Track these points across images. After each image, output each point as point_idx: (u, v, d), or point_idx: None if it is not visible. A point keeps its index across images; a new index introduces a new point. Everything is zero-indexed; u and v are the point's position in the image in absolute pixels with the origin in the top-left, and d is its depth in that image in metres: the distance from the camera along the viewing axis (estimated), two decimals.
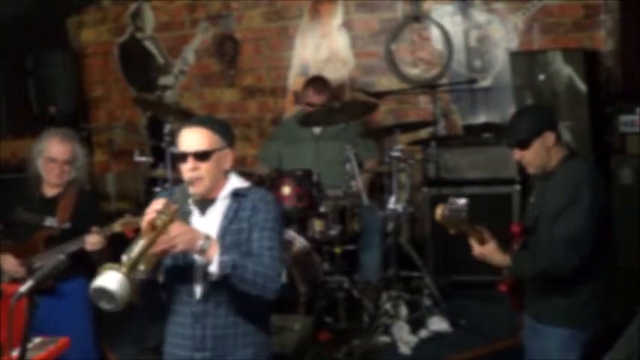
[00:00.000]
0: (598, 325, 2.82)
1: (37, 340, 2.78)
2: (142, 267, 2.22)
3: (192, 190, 2.47)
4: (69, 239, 3.45)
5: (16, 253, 3.50)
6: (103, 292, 2.14)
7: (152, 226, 2.28)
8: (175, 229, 2.31)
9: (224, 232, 2.49)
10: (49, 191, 3.62)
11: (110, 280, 2.14)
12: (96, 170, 6.44)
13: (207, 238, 2.36)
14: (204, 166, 2.49)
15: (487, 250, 2.79)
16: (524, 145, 2.85)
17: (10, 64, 5.59)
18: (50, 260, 2.28)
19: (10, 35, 5.24)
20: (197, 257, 2.43)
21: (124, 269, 2.16)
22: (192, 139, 2.50)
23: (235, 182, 2.59)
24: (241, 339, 2.52)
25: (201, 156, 2.48)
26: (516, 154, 2.90)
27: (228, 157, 2.56)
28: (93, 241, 3.39)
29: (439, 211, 2.68)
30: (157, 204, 2.33)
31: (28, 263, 3.47)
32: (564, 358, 2.81)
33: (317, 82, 5.25)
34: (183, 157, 2.50)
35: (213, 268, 2.34)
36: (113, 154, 6.47)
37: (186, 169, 2.50)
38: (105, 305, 2.17)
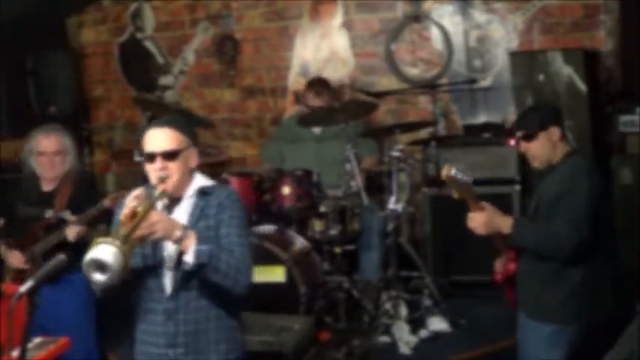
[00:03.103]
0: (585, 322, 2.86)
1: (37, 340, 2.79)
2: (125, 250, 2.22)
3: (160, 188, 2.49)
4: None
5: (19, 245, 3.59)
6: (98, 265, 2.16)
7: (133, 213, 2.32)
8: (156, 215, 2.37)
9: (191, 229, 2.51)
10: (47, 186, 3.73)
11: (104, 252, 2.15)
12: (96, 170, 6.45)
13: (185, 228, 2.40)
14: (173, 165, 2.52)
15: (488, 214, 2.84)
16: (530, 137, 2.97)
17: (11, 64, 5.58)
18: (50, 260, 2.29)
19: (10, 35, 5.23)
20: (169, 246, 2.48)
21: (117, 242, 2.18)
22: (159, 139, 2.54)
23: (201, 181, 2.62)
24: (213, 334, 2.54)
25: (170, 155, 2.52)
26: (522, 146, 3.02)
27: (193, 156, 2.60)
28: (72, 232, 3.49)
29: (445, 170, 2.77)
30: (137, 192, 2.41)
31: (30, 252, 3.55)
32: (550, 353, 2.86)
33: (316, 84, 5.24)
34: (151, 157, 2.53)
35: (189, 258, 2.37)
36: (113, 154, 6.47)
37: (154, 168, 2.53)
38: (99, 278, 2.17)
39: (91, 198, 3.71)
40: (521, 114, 3.21)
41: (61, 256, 2.27)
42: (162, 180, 2.50)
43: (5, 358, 2.41)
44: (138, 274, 2.51)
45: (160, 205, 2.51)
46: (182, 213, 2.56)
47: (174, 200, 2.57)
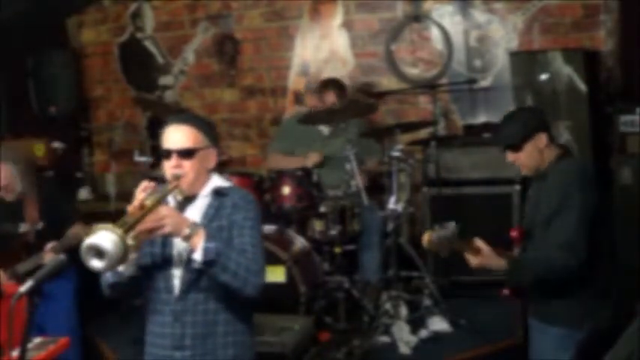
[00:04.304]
0: (591, 325, 2.83)
1: (37, 340, 2.79)
2: (130, 241, 2.16)
3: (172, 184, 2.45)
4: (46, 238, 3.60)
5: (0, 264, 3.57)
6: (96, 251, 2.10)
7: (141, 205, 2.28)
8: (165, 209, 2.33)
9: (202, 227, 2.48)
10: (8, 196, 3.72)
11: (103, 238, 2.09)
12: (96, 170, 6.45)
13: (195, 225, 2.36)
14: (188, 164, 2.48)
15: (483, 258, 2.78)
16: (516, 147, 2.87)
17: (10, 64, 5.58)
18: (50, 260, 2.29)
19: (10, 35, 5.23)
20: (179, 246, 2.44)
21: (118, 230, 2.11)
22: (176, 136, 2.50)
23: (217, 181, 2.58)
24: (221, 338, 2.49)
25: (186, 154, 2.48)
26: (509, 157, 2.92)
27: (212, 157, 2.56)
28: (50, 258, 3.48)
29: (426, 237, 2.67)
30: (145, 184, 2.37)
31: (13, 272, 3.54)
32: (559, 355, 2.83)
33: (338, 85, 5.13)
34: (167, 154, 2.50)
35: (197, 256, 2.32)
36: (113, 154, 6.47)
37: (170, 166, 2.49)
38: (97, 264, 2.11)
39: (61, 205, 3.78)
40: (502, 124, 2.98)
41: (61, 257, 2.28)
42: (177, 178, 2.46)
43: (5, 358, 2.41)
44: (146, 274, 2.49)
45: (172, 201, 2.49)
46: (196, 212, 2.52)
47: (188, 199, 2.53)
